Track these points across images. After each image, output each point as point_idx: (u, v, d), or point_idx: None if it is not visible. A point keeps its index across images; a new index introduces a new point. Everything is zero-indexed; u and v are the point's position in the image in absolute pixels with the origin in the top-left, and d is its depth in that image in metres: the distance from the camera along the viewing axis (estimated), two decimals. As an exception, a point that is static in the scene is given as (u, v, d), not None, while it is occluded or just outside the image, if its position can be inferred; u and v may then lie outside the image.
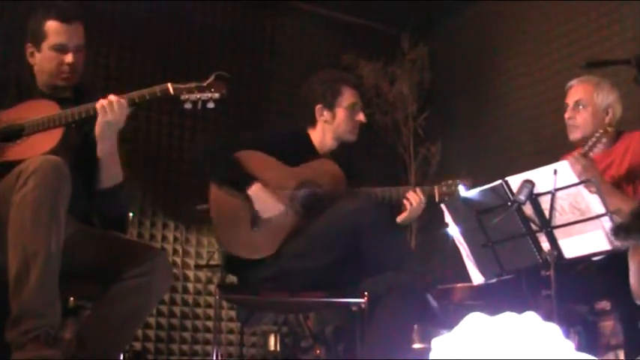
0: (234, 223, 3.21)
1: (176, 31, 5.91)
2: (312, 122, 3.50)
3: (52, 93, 2.97)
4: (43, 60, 2.94)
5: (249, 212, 3.19)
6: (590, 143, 3.20)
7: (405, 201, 3.30)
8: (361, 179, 3.45)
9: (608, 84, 3.57)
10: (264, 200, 3.17)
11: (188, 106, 2.84)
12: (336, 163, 3.42)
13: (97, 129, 2.78)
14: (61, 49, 2.91)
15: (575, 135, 3.52)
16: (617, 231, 2.31)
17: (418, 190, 3.32)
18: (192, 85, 2.84)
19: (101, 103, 2.76)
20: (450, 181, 3.34)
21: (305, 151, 3.44)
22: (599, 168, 3.34)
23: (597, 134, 3.24)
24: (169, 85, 2.82)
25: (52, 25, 2.90)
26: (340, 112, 3.46)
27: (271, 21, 6.43)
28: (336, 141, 3.50)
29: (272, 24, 6.44)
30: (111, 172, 2.90)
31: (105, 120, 2.76)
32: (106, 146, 2.83)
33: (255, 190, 3.16)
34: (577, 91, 3.58)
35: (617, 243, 2.39)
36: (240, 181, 3.19)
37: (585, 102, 3.51)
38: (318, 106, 3.46)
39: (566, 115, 3.57)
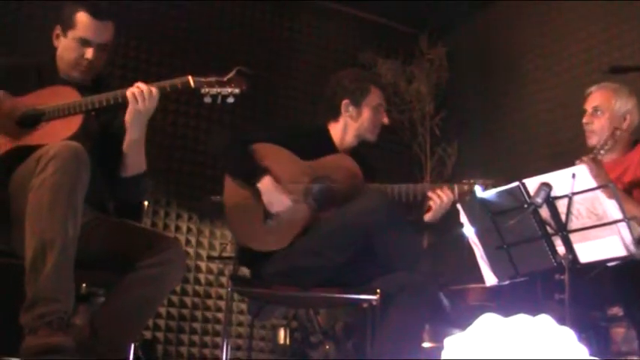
0: (247, 216, 3.22)
1: (195, 27, 5.91)
2: (335, 116, 3.50)
3: (72, 80, 2.99)
4: (65, 47, 2.97)
5: (261, 205, 3.20)
6: (598, 147, 3.23)
7: (431, 198, 3.29)
8: (378, 178, 3.44)
9: (627, 91, 3.61)
10: (271, 194, 3.17)
11: (207, 100, 2.84)
12: (353, 160, 3.41)
13: (128, 117, 2.80)
14: (84, 43, 2.93)
15: (591, 140, 3.55)
16: None
17: (445, 188, 3.31)
18: (213, 79, 2.83)
19: (132, 91, 2.78)
20: (471, 180, 3.32)
21: (324, 147, 3.44)
22: (613, 175, 3.35)
23: (605, 137, 3.29)
24: (190, 77, 2.82)
25: (83, 17, 2.93)
26: (366, 111, 3.47)
27: (290, 17, 6.43)
28: (356, 139, 3.51)
29: (290, 20, 6.44)
30: (136, 161, 2.92)
31: (136, 108, 2.78)
32: (134, 135, 2.85)
33: (264, 184, 3.17)
34: (595, 97, 3.63)
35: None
36: (252, 174, 3.21)
37: (603, 108, 3.55)
38: (345, 102, 3.47)
39: (584, 120, 3.61)
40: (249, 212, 3.22)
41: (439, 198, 3.26)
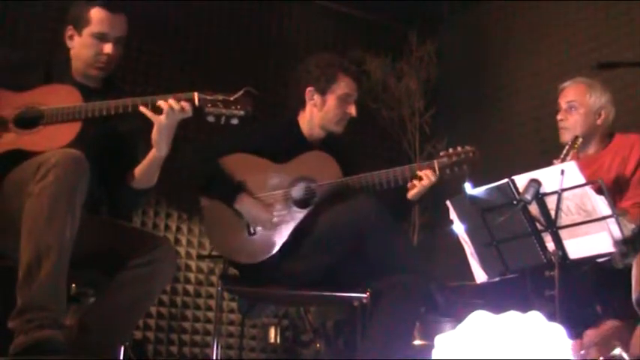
0: (230, 230, 3.19)
1: (183, 25, 5.86)
2: (302, 105, 3.40)
3: (83, 81, 2.95)
4: (81, 46, 2.92)
5: (242, 219, 3.18)
6: (564, 152, 3.22)
7: (416, 179, 3.26)
8: (357, 167, 3.35)
9: (601, 85, 3.57)
10: (252, 212, 3.15)
11: (210, 119, 2.77)
12: (328, 154, 3.32)
13: (155, 134, 2.79)
14: (101, 37, 2.89)
15: (565, 137, 3.52)
16: (622, 247, 2.27)
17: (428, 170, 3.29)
18: (219, 97, 2.77)
19: (169, 104, 2.73)
20: (450, 150, 3.32)
21: (294, 141, 3.36)
22: (589, 171, 3.33)
23: (569, 143, 3.25)
24: (196, 94, 2.76)
25: (97, 13, 2.88)
26: (331, 99, 3.35)
27: (279, 15, 6.41)
28: (322, 129, 3.40)
29: (279, 18, 6.42)
30: (151, 176, 2.92)
31: (165, 123, 2.76)
32: (162, 152, 2.84)
33: (242, 203, 3.14)
34: (569, 92, 3.58)
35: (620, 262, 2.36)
36: (227, 194, 3.16)
37: (577, 103, 3.53)
38: (309, 89, 3.35)
39: (559, 117, 3.59)
40: (231, 226, 3.18)
41: (422, 178, 3.26)
